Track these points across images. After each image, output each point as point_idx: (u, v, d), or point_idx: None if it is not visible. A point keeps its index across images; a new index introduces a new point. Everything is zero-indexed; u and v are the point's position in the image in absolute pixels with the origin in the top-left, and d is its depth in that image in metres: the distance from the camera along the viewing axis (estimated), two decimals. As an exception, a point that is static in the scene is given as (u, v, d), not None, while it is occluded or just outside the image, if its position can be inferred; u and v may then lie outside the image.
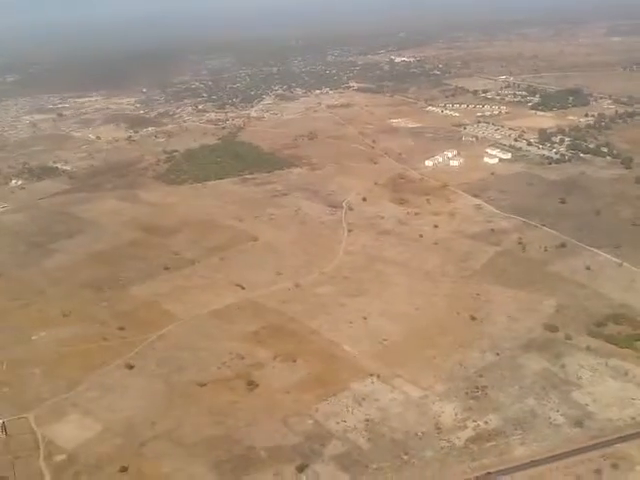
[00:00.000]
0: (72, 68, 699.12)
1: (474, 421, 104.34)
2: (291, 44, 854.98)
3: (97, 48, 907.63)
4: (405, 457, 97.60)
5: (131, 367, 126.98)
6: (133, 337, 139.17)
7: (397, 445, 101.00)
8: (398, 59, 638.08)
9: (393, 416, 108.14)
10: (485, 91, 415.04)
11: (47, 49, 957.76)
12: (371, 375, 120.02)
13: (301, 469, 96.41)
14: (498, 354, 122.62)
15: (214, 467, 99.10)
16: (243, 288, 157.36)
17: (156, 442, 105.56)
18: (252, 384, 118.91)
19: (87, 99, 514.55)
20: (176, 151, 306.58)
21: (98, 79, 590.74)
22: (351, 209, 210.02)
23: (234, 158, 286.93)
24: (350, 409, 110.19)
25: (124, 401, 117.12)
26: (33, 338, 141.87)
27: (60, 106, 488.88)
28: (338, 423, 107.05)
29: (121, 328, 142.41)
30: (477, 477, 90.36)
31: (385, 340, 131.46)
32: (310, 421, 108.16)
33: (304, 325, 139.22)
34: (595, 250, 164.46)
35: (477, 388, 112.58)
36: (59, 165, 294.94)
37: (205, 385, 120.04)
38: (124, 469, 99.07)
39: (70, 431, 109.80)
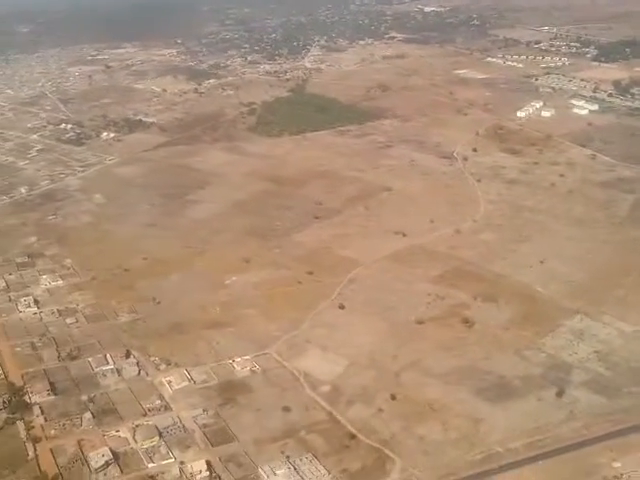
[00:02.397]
0: (84, 18, 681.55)
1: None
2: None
3: None
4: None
5: (342, 307, 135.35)
6: (326, 280, 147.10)
7: (637, 373, 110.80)
8: (427, 9, 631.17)
9: (618, 348, 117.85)
10: (537, 42, 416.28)
11: None
12: (577, 313, 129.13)
13: (560, 394, 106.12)
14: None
15: (477, 393, 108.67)
16: (405, 235, 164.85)
17: (408, 373, 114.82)
18: (468, 322, 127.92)
19: (123, 50, 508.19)
20: (253, 103, 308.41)
21: (120, 29, 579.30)
22: (465, 159, 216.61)
23: (318, 111, 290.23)
24: (575, 343, 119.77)
25: (353, 337, 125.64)
26: (227, 282, 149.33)
27: (100, 57, 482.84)
28: (570, 355, 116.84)
29: (310, 272, 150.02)
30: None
31: (572, 281, 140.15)
32: (542, 354, 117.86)
33: (486, 269, 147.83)
34: None
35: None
36: (141, 117, 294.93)
37: (423, 323, 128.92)
38: (393, 397, 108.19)
39: (319, 365, 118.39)
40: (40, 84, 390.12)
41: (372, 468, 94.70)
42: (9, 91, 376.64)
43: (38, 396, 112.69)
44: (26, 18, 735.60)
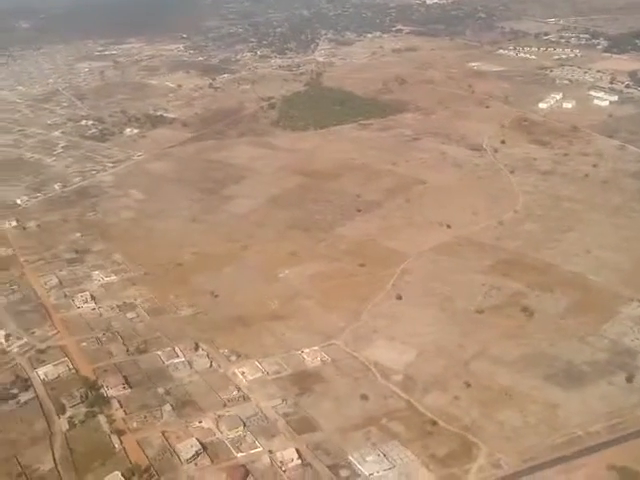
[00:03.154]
0: (84, 13, 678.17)
1: None
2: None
3: None
4: None
5: (400, 298, 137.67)
6: (378, 272, 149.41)
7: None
8: (430, 1, 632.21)
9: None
10: (545, 34, 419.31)
11: None
12: (631, 300, 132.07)
13: (630, 379, 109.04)
14: None
15: (547, 379, 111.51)
16: (449, 227, 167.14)
17: (477, 362, 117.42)
18: (527, 311, 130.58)
19: (129, 45, 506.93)
20: (272, 98, 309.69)
21: (122, 24, 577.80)
22: (496, 151, 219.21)
23: (338, 104, 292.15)
24: (635, 329, 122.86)
25: (416, 327, 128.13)
26: (280, 276, 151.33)
27: (107, 53, 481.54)
28: (632, 341, 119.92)
29: (361, 265, 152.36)
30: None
31: (621, 269, 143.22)
32: (605, 340, 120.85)
33: (535, 258, 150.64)
34: None
35: None
36: (162, 113, 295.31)
37: (483, 312, 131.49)
38: (467, 384, 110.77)
39: (387, 355, 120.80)
40: (51, 80, 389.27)
41: (458, 453, 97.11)
42: (20, 87, 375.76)
43: (114, 390, 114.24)
44: (26, 14, 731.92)
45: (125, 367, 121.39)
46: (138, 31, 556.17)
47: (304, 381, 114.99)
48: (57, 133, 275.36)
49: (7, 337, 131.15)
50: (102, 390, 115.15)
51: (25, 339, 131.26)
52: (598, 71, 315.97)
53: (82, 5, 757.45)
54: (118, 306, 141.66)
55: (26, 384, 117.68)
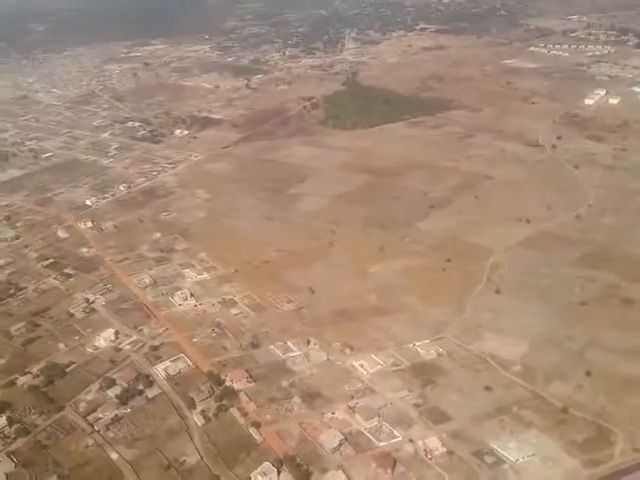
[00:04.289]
0: (94, 16, 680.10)
1: None
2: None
3: None
4: None
5: (498, 292, 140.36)
6: (467, 267, 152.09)
7: None
8: None
9: None
10: (572, 31, 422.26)
11: None
12: None
13: None
14: None
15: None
16: (528, 222, 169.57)
17: (591, 351, 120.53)
18: (628, 301, 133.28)
19: (153, 47, 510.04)
20: (312, 97, 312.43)
21: (139, 26, 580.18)
22: (554, 147, 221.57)
23: (382, 103, 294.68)
24: None
25: (521, 320, 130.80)
26: (371, 271, 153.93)
27: (133, 55, 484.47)
28: None
29: (448, 260, 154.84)
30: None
31: None
32: None
33: (622, 251, 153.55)
34: None
35: None
36: (207, 114, 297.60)
37: (585, 304, 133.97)
38: (588, 373, 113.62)
39: (500, 347, 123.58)
40: (84, 82, 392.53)
41: (596, 439, 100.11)
42: (55, 90, 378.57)
43: (239, 383, 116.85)
44: (35, 16, 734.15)
45: (243, 361, 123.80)
46: (157, 33, 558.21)
47: (424, 373, 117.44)
48: (106, 135, 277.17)
49: (116, 335, 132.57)
50: (227, 384, 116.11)
51: (135, 336, 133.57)
52: (635, 67, 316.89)
53: (89, 8, 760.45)
54: (219, 302, 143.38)
55: (148, 380, 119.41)
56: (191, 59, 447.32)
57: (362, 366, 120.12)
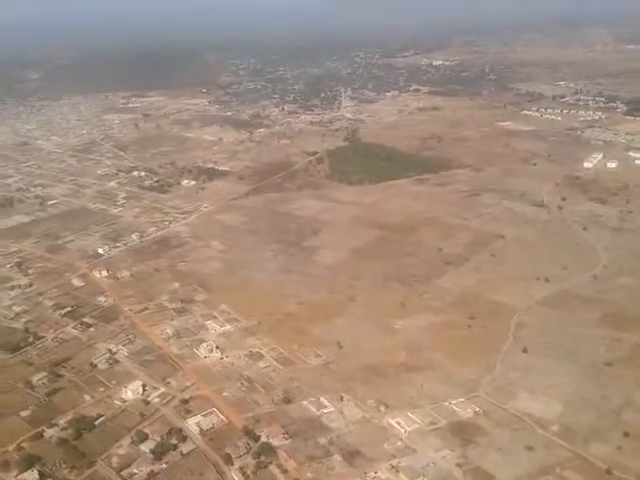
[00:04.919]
0: (86, 66, 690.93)
1: None
2: (300, 44, 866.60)
3: (97, 45, 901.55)
4: None
5: (525, 351, 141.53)
6: (492, 325, 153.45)
7: None
8: (436, 62, 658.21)
9: None
10: (562, 96, 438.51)
11: (42, 44, 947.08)
12: None
13: None
14: None
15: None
16: (547, 280, 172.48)
17: (628, 412, 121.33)
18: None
19: (152, 99, 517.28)
20: (316, 152, 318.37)
21: (135, 78, 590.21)
22: (560, 208, 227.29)
23: (385, 160, 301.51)
24: None
25: (552, 379, 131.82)
26: (396, 327, 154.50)
27: (132, 106, 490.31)
28: None
29: (471, 317, 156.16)
30: None
31: None
32: None
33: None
34: None
35: None
36: (212, 166, 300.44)
37: (612, 365, 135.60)
38: (626, 434, 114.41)
39: (535, 406, 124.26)
40: (84, 131, 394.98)
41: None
42: (56, 138, 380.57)
43: (275, 439, 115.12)
44: (31, 65, 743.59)
45: (277, 417, 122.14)
46: (154, 85, 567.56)
47: (463, 432, 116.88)
48: (113, 184, 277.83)
49: (144, 387, 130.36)
50: (263, 440, 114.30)
51: (162, 389, 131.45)
52: (627, 133, 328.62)
53: (82, 58, 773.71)
54: (246, 355, 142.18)
55: (182, 434, 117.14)
56: (191, 112, 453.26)
57: (399, 424, 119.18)
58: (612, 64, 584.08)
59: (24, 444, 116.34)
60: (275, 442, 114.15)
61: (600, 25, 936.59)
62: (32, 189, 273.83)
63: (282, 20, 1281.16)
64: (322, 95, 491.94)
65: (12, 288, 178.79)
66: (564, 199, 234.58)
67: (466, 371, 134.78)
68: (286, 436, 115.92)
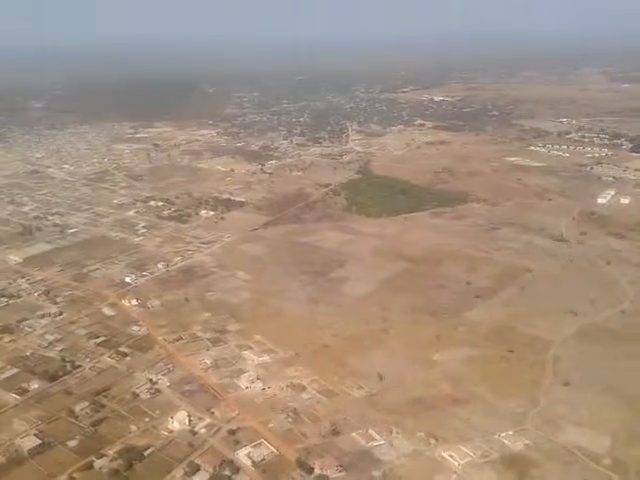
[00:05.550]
0: (88, 96, 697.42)
1: None
2: (299, 79, 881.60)
3: (91, 75, 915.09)
4: None
5: (567, 384, 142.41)
6: (530, 358, 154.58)
7: None
8: (437, 98, 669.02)
9: None
10: (567, 133, 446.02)
11: (39, 73, 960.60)
12: None
13: None
14: None
15: None
16: (576, 315, 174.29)
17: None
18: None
19: (159, 129, 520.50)
20: (329, 184, 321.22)
21: (140, 108, 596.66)
22: (581, 243, 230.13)
23: (400, 193, 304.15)
24: None
25: (597, 413, 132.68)
26: (434, 359, 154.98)
27: (140, 136, 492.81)
28: None
29: (509, 350, 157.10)
30: None
31: None
32: None
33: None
34: None
35: None
36: (228, 197, 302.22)
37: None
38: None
39: (584, 439, 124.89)
40: (95, 160, 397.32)
41: None
42: (66, 166, 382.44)
43: (329, 472, 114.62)
44: (31, 94, 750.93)
45: (327, 449, 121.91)
46: (159, 116, 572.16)
47: (516, 465, 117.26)
48: (131, 213, 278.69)
49: (189, 417, 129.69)
50: (316, 472, 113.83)
51: (208, 419, 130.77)
52: (636, 169, 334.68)
53: (79, 88, 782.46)
54: (288, 387, 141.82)
55: (234, 466, 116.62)
56: (200, 142, 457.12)
57: (451, 457, 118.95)
58: (610, 102, 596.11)
59: (75, 474, 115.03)
60: (331, 474, 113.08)
61: (592, 64, 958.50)
62: (49, 217, 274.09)
63: (280, 55, 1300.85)
64: (329, 128, 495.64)
65: (42, 316, 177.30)
66: (583, 234, 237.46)
67: (511, 404, 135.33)
68: (340, 468, 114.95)
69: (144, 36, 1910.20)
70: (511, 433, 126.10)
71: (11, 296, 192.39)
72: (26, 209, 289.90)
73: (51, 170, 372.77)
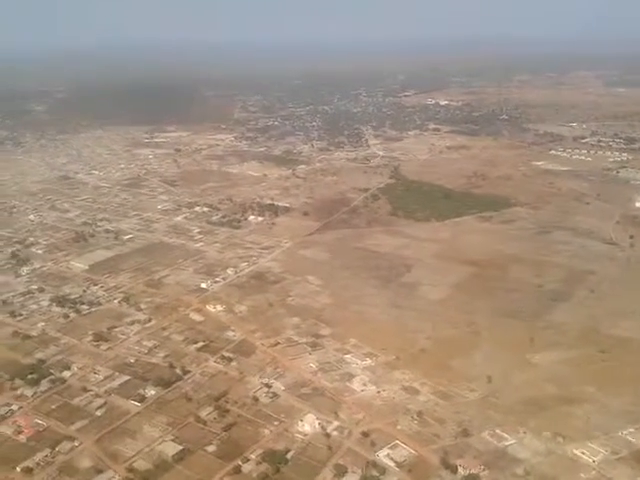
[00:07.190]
0: (90, 99, 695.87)
1: None
2: (297, 82, 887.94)
3: (90, 78, 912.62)
4: None
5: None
6: (624, 358, 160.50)
7: None
8: (442, 102, 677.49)
9: None
10: (582, 137, 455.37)
11: (38, 75, 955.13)
12: None
13: None
14: None
15: None
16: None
17: None
18: None
19: (175, 134, 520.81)
20: (367, 189, 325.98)
21: (144, 112, 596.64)
22: (632, 246, 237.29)
23: (441, 197, 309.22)
24: None
25: None
26: (534, 362, 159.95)
27: (158, 140, 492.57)
28: None
29: (602, 351, 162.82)
30: None
31: None
32: None
33: None
34: None
35: None
36: (271, 202, 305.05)
37: None
38: None
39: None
40: (122, 166, 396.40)
41: None
42: (96, 172, 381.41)
43: (474, 470, 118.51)
44: (30, 97, 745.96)
45: (463, 449, 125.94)
46: (168, 120, 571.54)
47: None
48: (180, 219, 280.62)
49: (317, 421, 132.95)
50: (460, 471, 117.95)
51: (335, 422, 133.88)
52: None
53: (78, 90, 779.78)
54: (401, 389, 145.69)
55: (380, 467, 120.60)
56: (220, 147, 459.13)
57: (584, 454, 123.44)
58: (612, 107, 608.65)
59: (225, 479, 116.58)
60: (477, 473, 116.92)
61: (586, 67, 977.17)
62: (99, 223, 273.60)
63: (276, 57, 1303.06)
64: (346, 132, 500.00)
65: (132, 323, 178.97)
66: (632, 237, 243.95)
67: (623, 402, 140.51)
68: (482, 467, 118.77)
69: (133, 39, 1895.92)
70: (632, 430, 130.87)
71: (91, 303, 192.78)
72: (71, 215, 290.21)
73: (80, 176, 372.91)
